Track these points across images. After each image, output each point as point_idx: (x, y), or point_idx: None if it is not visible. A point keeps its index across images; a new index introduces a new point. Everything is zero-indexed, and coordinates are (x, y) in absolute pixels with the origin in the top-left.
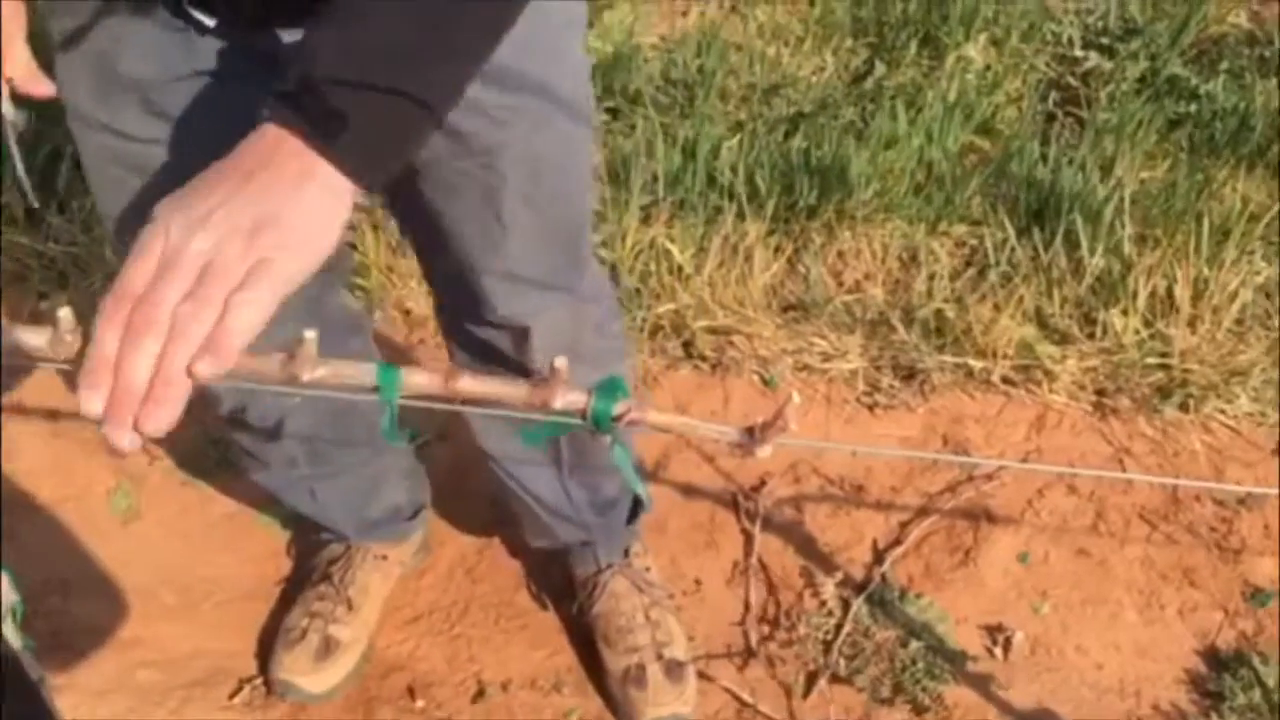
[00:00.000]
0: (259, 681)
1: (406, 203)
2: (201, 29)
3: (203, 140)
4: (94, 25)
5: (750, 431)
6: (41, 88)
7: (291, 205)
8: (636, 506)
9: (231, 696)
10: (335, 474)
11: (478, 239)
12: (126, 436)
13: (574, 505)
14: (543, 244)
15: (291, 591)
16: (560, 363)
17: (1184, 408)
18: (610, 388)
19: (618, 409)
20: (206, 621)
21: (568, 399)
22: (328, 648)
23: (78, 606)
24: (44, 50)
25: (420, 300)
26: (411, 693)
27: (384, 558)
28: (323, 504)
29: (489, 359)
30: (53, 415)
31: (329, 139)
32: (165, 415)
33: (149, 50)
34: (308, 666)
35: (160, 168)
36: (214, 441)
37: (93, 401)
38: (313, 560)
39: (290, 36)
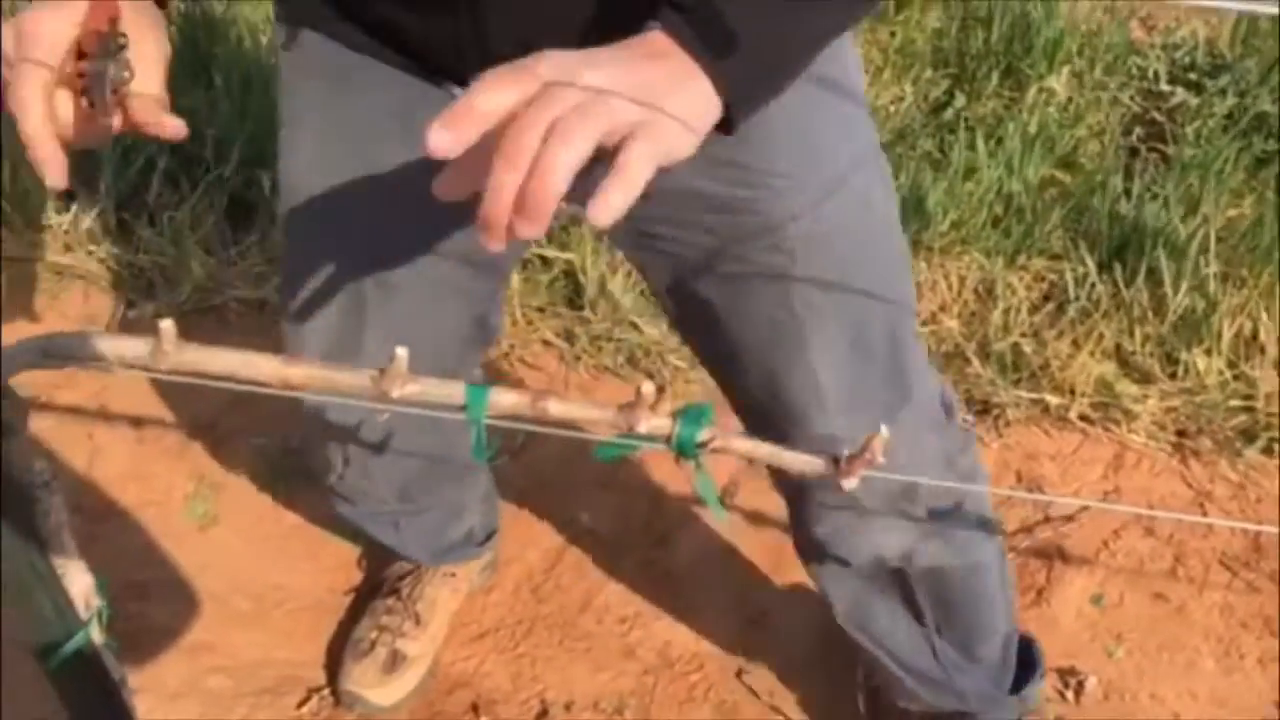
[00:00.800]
0: (327, 691)
1: (687, 310)
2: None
3: (411, 201)
4: (340, 70)
5: (836, 463)
6: (167, 126)
7: (678, 90)
8: (1026, 672)
9: (300, 705)
10: (420, 510)
11: (767, 343)
12: (496, 242)
13: (943, 667)
14: (847, 345)
15: (361, 603)
16: (647, 386)
17: (1268, 451)
18: (696, 414)
19: (703, 436)
20: (278, 629)
21: (653, 424)
22: (394, 661)
23: (154, 610)
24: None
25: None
26: (476, 709)
27: (453, 575)
28: (404, 537)
29: (802, 497)
30: (137, 422)
31: (717, 57)
32: (537, 227)
33: (391, 104)
34: (375, 679)
35: (363, 216)
36: (290, 451)
37: (441, 138)
38: (382, 573)
39: None
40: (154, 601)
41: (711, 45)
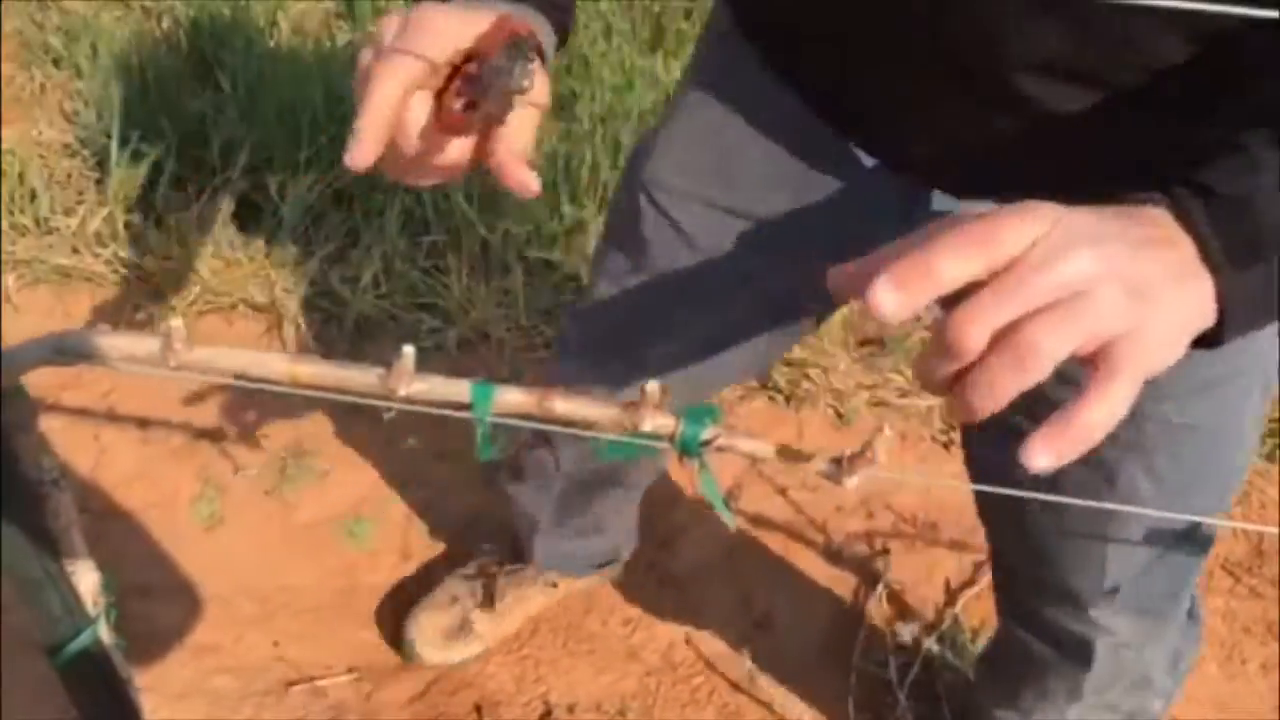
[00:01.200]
0: (332, 692)
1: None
2: (852, 164)
3: (776, 258)
4: (730, 106)
5: (838, 463)
6: (526, 179)
7: (1174, 293)
8: None
9: (305, 707)
10: (569, 517)
11: (1068, 511)
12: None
13: None
14: (1151, 543)
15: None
16: (651, 386)
17: (1270, 457)
18: (700, 413)
19: (706, 434)
20: (283, 630)
21: (657, 422)
22: (462, 629)
23: (159, 611)
24: None
25: (498, 325)
26: (479, 711)
27: (554, 585)
28: (544, 541)
29: (1027, 659)
30: (143, 424)
31: (1236, 264)
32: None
33: (777, 155)
34: (436, 638)
35: (707, 269)
36: (297, 453)
37: (887, 300)
38: (474, 557)
39: (944, 203)
40: (159, 602)
41: (1232, 247)
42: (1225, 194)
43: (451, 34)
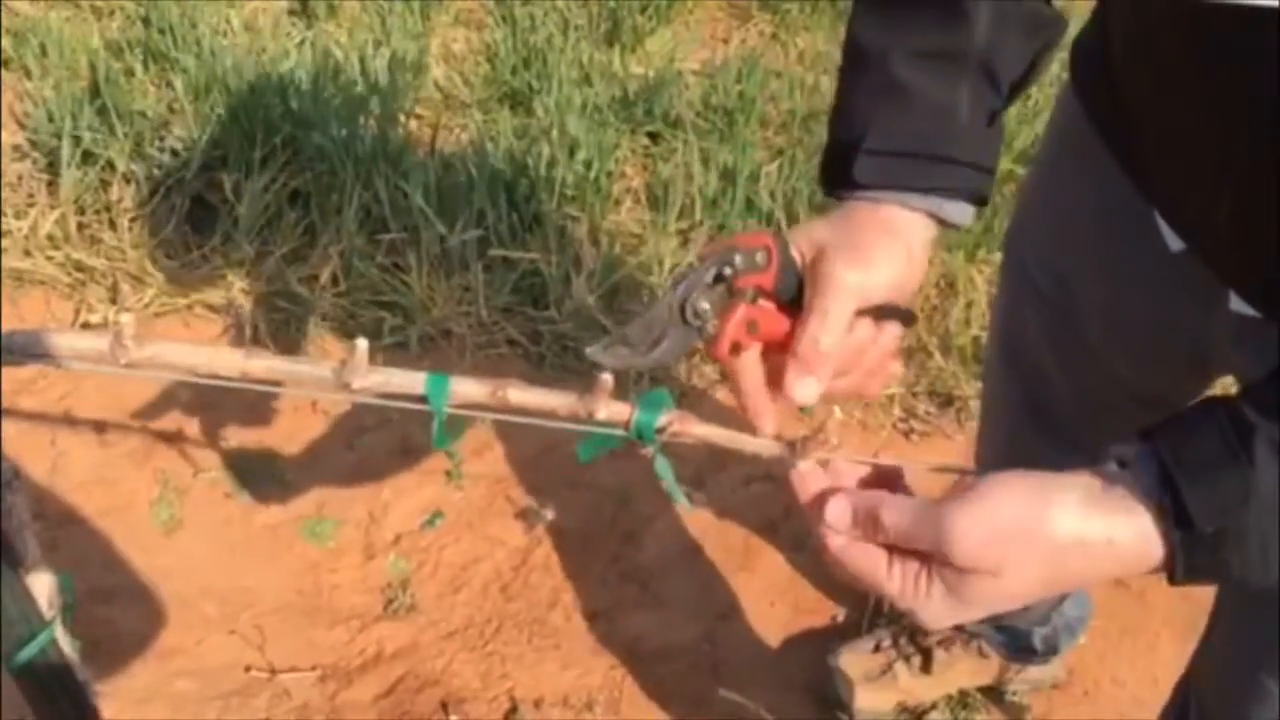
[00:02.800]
0: (294, 693)
1: None
2: (1160, 247)
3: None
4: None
5: (792, 446)
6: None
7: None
8: None
9: (269, 708)
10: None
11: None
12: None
13: None
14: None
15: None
16: (606, 375)
17: None
18: (655, 400)
19: (661, 421)
20: (245, 632)
21: (612, 410)
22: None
23: (120, 616)
24: None
25: (459, 322)
26: (445, 708)
27: (986, 657)
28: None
29: None
30: (100, 428)
31: (1182, 580)
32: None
33: (1100, 218)
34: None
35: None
36: (257, 455)
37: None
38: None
39: (1241, 306)
40: (120, 607)
41: (1191, 568)
42: (1206, 531)
43: None
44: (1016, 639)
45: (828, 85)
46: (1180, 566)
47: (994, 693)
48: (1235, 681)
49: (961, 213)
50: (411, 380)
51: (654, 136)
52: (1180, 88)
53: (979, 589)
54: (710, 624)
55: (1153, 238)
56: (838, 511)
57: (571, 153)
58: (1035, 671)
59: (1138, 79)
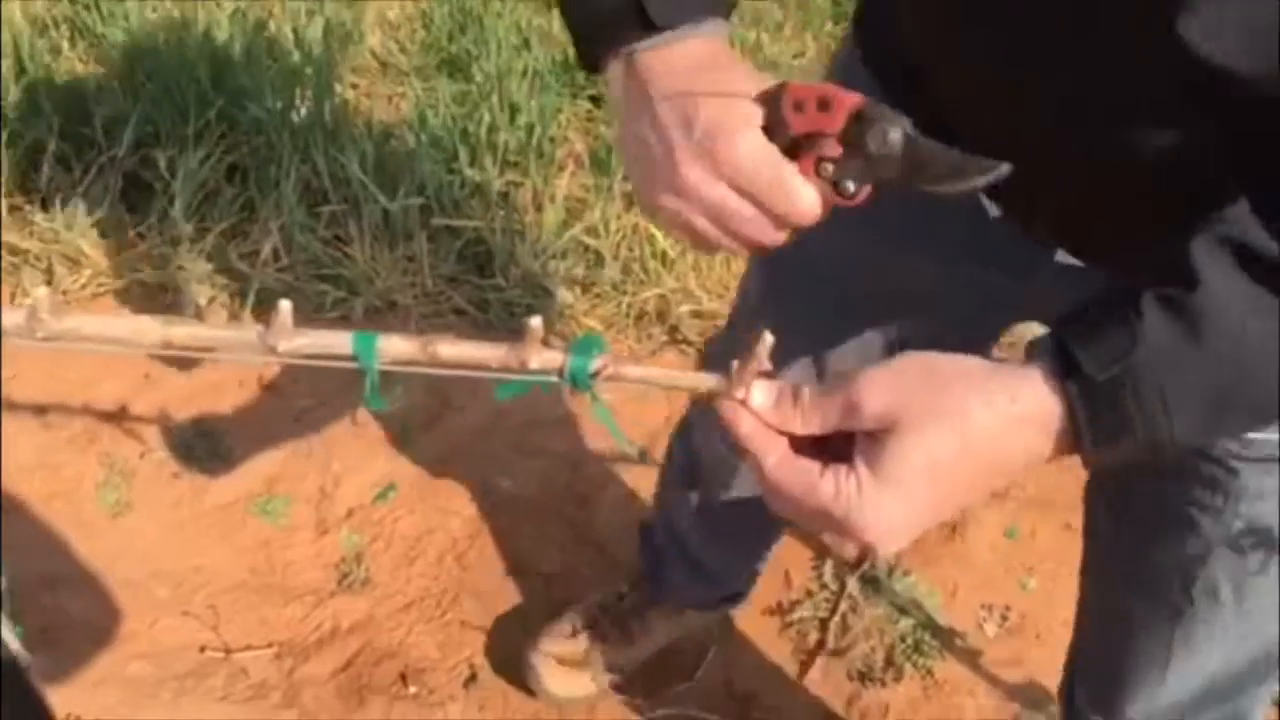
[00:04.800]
0: (251, 672)
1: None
2: (978, 211)
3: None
4: None
5: (728, 376)
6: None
7: (978, 494)
8: None
9: (224, 688)
10: (705, 560)
11: (1150, 597)
12: None
13: None
14: (1224, 651)
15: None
16: (535, 321)
17: None
18: (587, 344)
19: (594, 365)
20: (198, 613)
21: (544, 358)
22: (585, 660)
23: (69, 602)
24: None
25: (404, 293)
26: (404, 679)
27: (681, 614)
28: (672, 572)
29: None
30: (41, 410)
31: (1097, 444)
32: None
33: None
34: (556, 671)
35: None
36: (204, 434)
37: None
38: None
39: (1064, 258)
40: (69, 593)
41: (1099, 430)
42: (1090, 372)
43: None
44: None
45: (768, 41)
46: (1084, 424)
47: (949, 638)
48: (1116, 652)
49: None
50: (339, 340)
51: (595, 100)
52: (979, 32)
53: (899, 458)
54: None
55: (968, 208)
56: (763, 391)
57: (513, 118)
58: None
59: (930, 39)
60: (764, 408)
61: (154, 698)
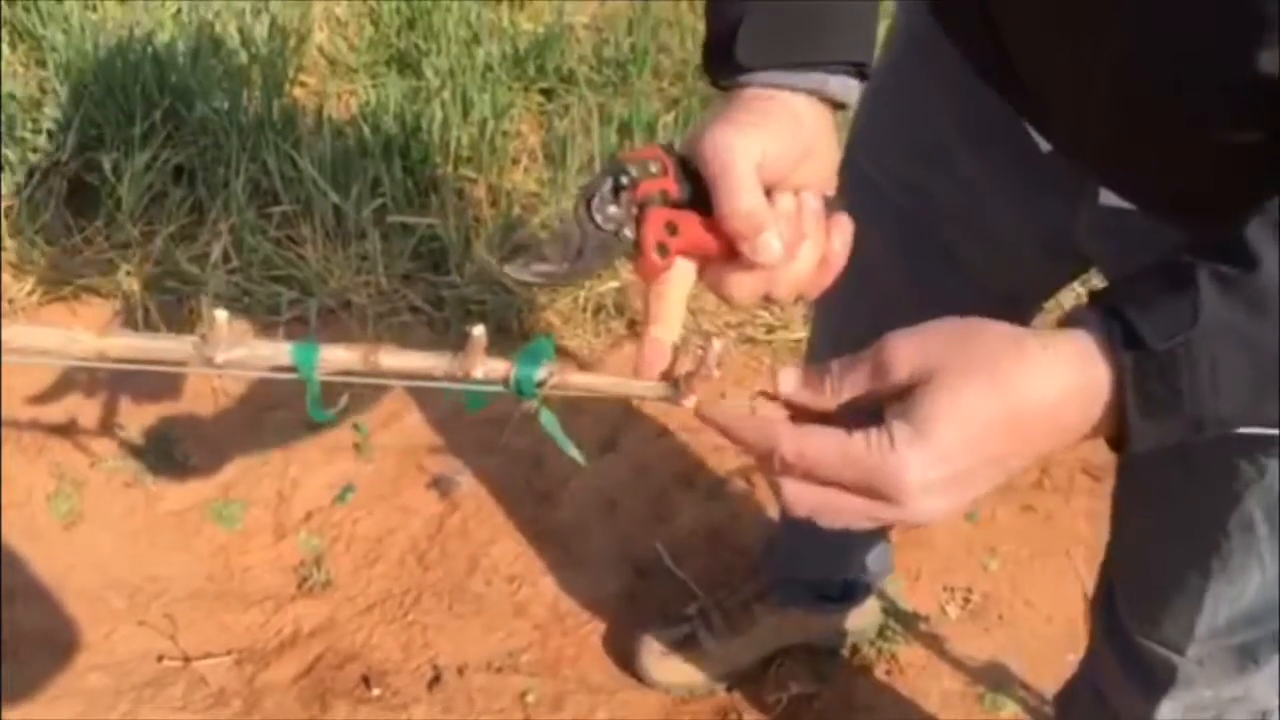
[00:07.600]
0: (210, 680)
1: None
2: (1029, 148)
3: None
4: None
5: (676, 384)
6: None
7: (1016, 458)
8: None
9: (184, 697)
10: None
11: (1185, 538)
12: None
13: None
14: (1255, 589)
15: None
16: (478, 330)
17: None
18: (533, 353)
19: (540, 374)
20: (155, 622)
21: (489, 367)
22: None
23: (23, 615)
24: None
25: (359, 292)
26: (367, 682)
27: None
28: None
29: (1136, 675)
30: None
31: (1143, 417)
32: None
33: (960, 121)
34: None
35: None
36: (156, 440)
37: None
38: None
39: (1109, 199)
40: (22, 605)
41: (1147, 404)
42: (1158, 349)
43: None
44: (812, 588)
45: None
46: (1133, 395)
47: (912, 621)
48: (1155, 573)
49: (845, 88)
50: (278, 351)
51: (548, 93)
52: None
53: (931, 409)
54: (630, 580)
55: (1019, 139)
56: (790, 376)
57: (465, 114)
58: (855, 620)
59: None
60: (794, 390)
61: (113, 709)
